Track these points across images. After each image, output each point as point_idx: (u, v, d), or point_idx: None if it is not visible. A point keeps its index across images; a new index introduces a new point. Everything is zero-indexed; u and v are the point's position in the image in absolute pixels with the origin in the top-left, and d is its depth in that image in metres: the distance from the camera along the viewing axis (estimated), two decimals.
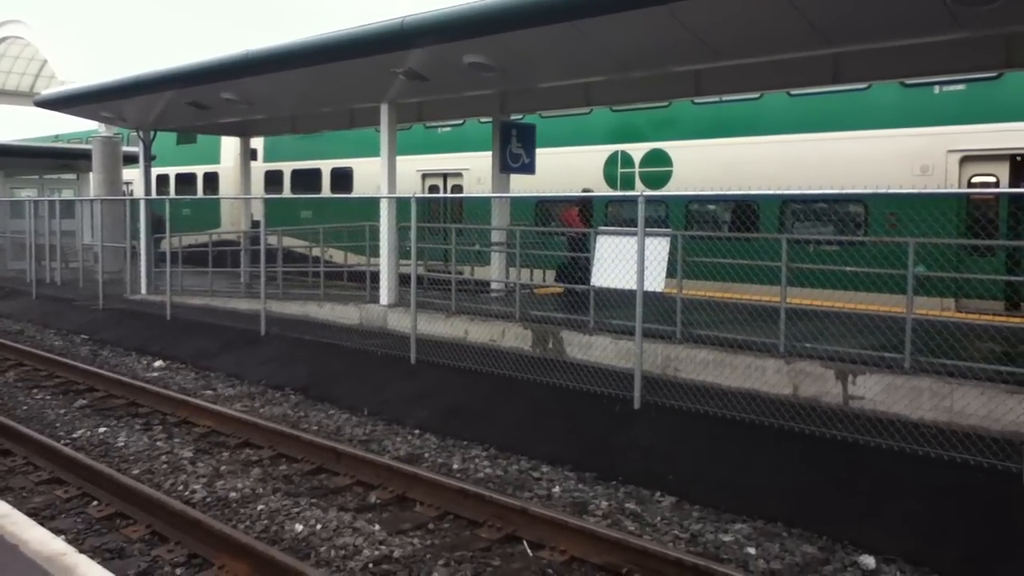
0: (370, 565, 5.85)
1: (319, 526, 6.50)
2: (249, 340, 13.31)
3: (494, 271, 15.05)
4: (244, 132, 20.46)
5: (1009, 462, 6.49)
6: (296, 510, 6.85)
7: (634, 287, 8.92)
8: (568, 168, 16.90)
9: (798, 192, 11.45)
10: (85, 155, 24.35)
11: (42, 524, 5.35)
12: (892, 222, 12.73)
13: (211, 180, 26.81)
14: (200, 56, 14.61)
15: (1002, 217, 11.96)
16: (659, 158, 16.40)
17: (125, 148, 23.82)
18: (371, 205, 14.42)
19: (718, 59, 10.52)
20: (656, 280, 9.05)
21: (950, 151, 12.87)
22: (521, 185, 15.56)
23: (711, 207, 16.04)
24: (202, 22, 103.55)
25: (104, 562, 5.79)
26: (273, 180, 24.55)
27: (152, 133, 18.91)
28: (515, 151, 14.92)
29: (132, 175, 23.67)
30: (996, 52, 9.93)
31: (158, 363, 13.21)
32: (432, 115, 16.79)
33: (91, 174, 24.21)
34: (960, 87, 12.99)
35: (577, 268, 11.21)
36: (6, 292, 20.80)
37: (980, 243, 11.30)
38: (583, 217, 13.23)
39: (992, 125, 12.57)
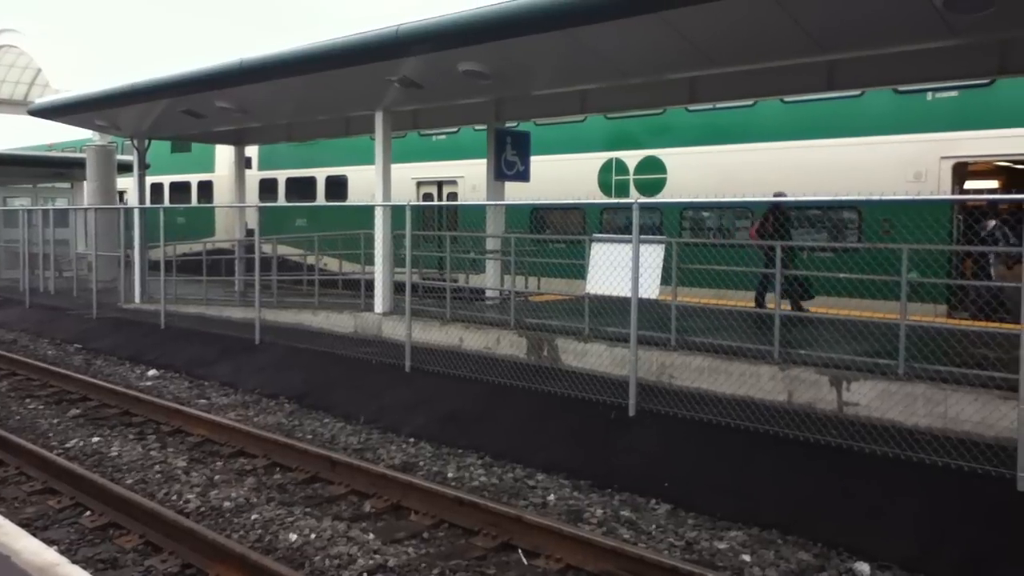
0: (364, 574, 5.83)
1: (313, 535, 6.47)
2: (244, 349, 13.28)
3: (489, 279, 15.04)
4: (239, 140, 20.44)
5: (1004, 468, 6.49)
6: (290, 519, 6.83)
7: (628, 294, 8.92)
8: (563, 175, 16.91)
9: (792, 199, 11.46)
10: (79, 164, 24.32)
11: (35, 535, 5.31)
12: (886, 228, 12.76)
13: (206, 189, 26.77)
14: (197, 61, 14.61)
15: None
16: (653, 165, 16.42)
17: (119, 157, 23.82)
18: (366, 213, 14.41)
19: (712, 66, 10.55)
20: (651, 287, 9.05)
21: (943, 158, 12.91)
22: (517, 192, 15.58)
23: (705, 214, 16.08)
24: (202, 22, 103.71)
25: (97, 573, 5.78)
26: (268, 188, 24.52)
27: (147, 142, 18.89)
28: (510, 159, 14.92)
29: (126, 184, 23.64)
30: (989, 58, 9.97)
31: (152, 372, 13.17)
32: (427, 123, 16.80)
33: (85, 183, 24.18)
34: (953, 94, 13.04)
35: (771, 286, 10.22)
36: None
37: (974, 249, 11.33)
38: (764, 231, 11.43)
39: (985, 132, 12.61)
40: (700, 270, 10.44)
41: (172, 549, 6.14)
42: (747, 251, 12.84)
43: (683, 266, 10.21)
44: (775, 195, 11.40)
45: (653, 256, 9.19)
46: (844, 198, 8.74)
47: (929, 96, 13.29)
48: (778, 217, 11.33)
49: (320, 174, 22.98)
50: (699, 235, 15.84)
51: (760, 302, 11.40)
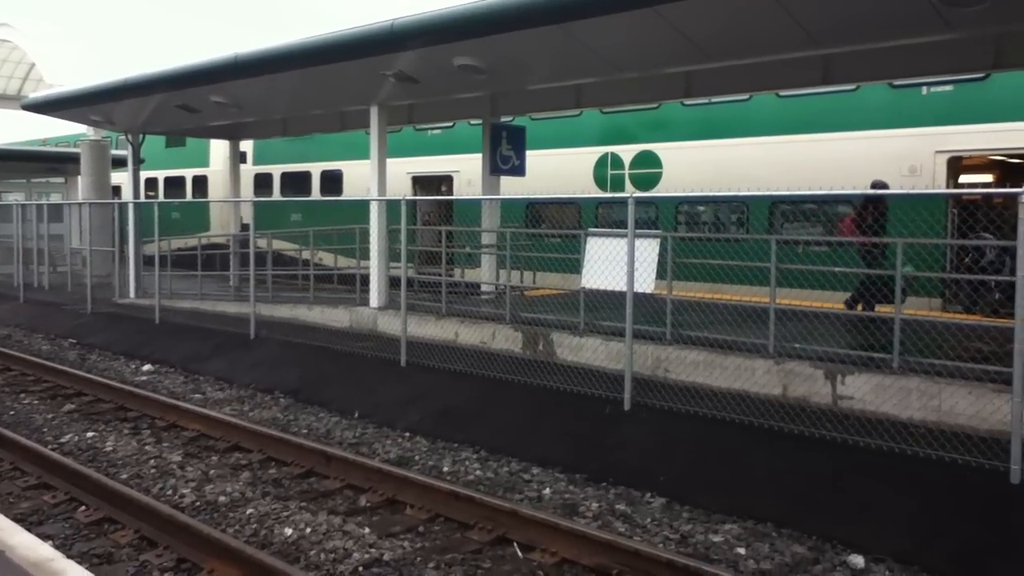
0: (360, 569, 5.83)
1: (309, 530, 6.48)
2: (239, 343, 13.26)
3: (484, 273, 15.03)
4: (234, 135, 20.40)
5: (997, 461, 6.52)
6: (286, 514, 6.83)
7: (623, 288, 8.92)
8: (559, 170, 16.90)
9: (787, 193, 11.47)
10: (73, 159, 24.25)
11: (29, 530, 5.31)
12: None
13: (200, 183, 26.71)
14: (193, 58, 14.56)
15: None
16: (649, 160, 16.42)
17: (114, 152, 23.75)
18: (361, 208, 14.39)
19: (707, 60, 10.54)
20: (646, 282, 9.06)
21: (938, 152, 12.93)
22: (512, 187, 15.56)
23: (701, 208, 16.09)
24: (202, 22, 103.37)
25: (92, 568, 5.75)
26: (262, 183, 24.48)
27: (141, 136, 18.83)
28: (505, 153, 14.91)
29: (121, 178, 23.57)
30: (985, 53, 9.98)
31: (147, 367, 13.14)
32: (422, 117, 16.77)
33: (79, 178, 24.11)
34: (948, 88, 13.05)
35: (876, 287, 9.62)
36: None
37: (969, 243, 11.34)
38: (863, 224, 10.22)
39: (980, 126, 12.62)
40: (696, 264, 10.45)
41: (167, 544, 6.13)
42: (742, 245, 12.85)
43: (678, 260, 10.21)
44: (873, 185, 10.43)
45: (648, 250, 9.19)
46: (839, 192, 8.76)
47: (924, 90, 13.30)
48: (875, 210, 10.36)
49: (315, 169, 22.95)
50: (694, 230, 15.85)
51: (853, 305, 10.48)
